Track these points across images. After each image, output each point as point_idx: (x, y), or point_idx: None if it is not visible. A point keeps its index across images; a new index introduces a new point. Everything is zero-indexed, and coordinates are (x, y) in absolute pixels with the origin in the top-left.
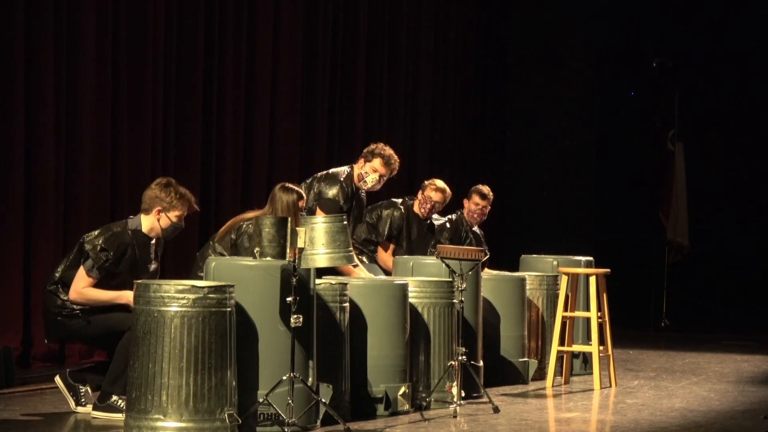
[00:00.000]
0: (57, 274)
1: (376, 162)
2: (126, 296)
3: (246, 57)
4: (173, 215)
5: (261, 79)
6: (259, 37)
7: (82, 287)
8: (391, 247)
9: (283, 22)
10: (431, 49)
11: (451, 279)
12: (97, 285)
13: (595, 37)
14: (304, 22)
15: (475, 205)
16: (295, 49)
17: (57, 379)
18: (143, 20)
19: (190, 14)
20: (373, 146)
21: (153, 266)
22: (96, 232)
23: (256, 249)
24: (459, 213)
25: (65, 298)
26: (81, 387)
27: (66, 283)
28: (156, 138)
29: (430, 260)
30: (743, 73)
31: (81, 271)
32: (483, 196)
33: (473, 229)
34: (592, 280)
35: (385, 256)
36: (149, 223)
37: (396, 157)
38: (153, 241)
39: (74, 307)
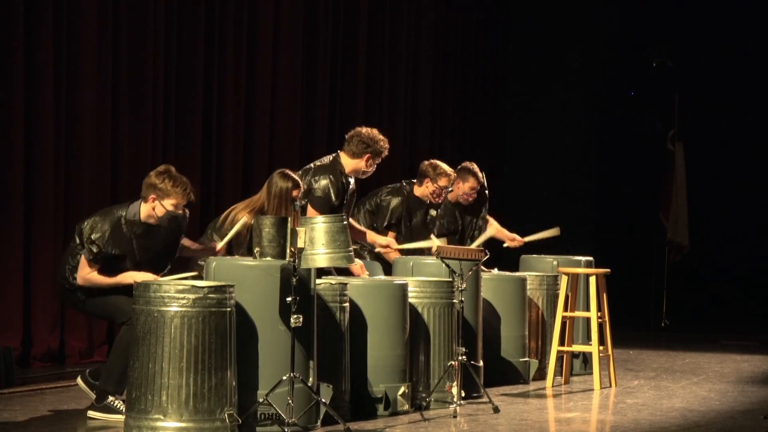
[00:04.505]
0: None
1: (376, 156)
2: (132, 276)
3: (246, 51)
4: (168, 203)
5: (261, 70)
6: (260, 31)
7: (87, 274)
8: (392, 234)
9: (284, 13)
10: (431, 49)
11: (451, 279)
12: (108, 268)
13: (595, 37)
14: (304, 10)
15: (471, 189)
16: (296, 38)
17: (78, 380)
18: (144, 12)
19: (192, 7)
20: (370, 139)
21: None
22: (90, 221)
23: (256, 249)
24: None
25: (68, 273)
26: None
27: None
28: (156, 132)
29: (430, 260)
30: (743, 74)
31: (82, 260)
32: (479, 180)
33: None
34: (592, 280)
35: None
36: (146, 210)
37: (382, 138)
38: (162, 226)
39: (73, 283)
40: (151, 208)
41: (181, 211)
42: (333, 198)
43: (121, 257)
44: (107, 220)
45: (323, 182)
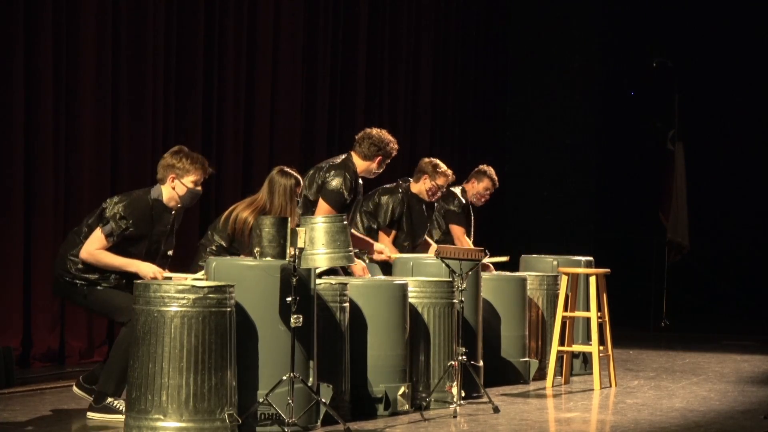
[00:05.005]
0: (80, 238)
1: (386, 158)
2: (137, 265)
3: (246, 51)
4: (188, 181)
5: (261, 70)
6: (260, 31)
7: (96, 248)
8: (393, 233)
9: (284, 13)
10: (431, 49)
11: (451, 279)
12: (115, 250)
13: (596, 37)
14: (304, 10)
15: (485, 189)
16: (296, 38)
17: (74, 387)
18: (144, 12)
19: (191, 7)
20: (381, 142)
21: (172, 240)
22: (116, 199)
23: (256, 249)
24: (462, 189)
25: (71, 265)
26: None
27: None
28: (156, 132)
29: (431, 260)
30: (743, 73)
31: (98, 233)
32: (495, 183)
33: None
34: (592, 280)
35: (386, 244)
36: (167, 192)
37: (392, 139)
38: (173, 212)
39: (76, 274)
40: (171, 189)
41: (200, 188)
42: (346, 194)
43: (136, 240)
44: (138, 201)
45: (338, 178)
